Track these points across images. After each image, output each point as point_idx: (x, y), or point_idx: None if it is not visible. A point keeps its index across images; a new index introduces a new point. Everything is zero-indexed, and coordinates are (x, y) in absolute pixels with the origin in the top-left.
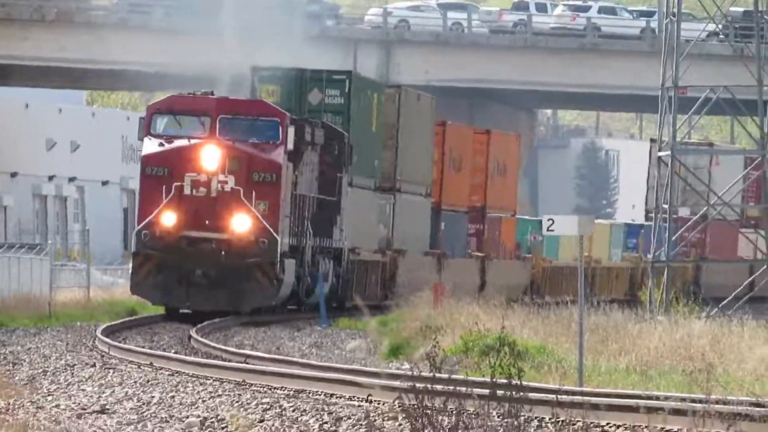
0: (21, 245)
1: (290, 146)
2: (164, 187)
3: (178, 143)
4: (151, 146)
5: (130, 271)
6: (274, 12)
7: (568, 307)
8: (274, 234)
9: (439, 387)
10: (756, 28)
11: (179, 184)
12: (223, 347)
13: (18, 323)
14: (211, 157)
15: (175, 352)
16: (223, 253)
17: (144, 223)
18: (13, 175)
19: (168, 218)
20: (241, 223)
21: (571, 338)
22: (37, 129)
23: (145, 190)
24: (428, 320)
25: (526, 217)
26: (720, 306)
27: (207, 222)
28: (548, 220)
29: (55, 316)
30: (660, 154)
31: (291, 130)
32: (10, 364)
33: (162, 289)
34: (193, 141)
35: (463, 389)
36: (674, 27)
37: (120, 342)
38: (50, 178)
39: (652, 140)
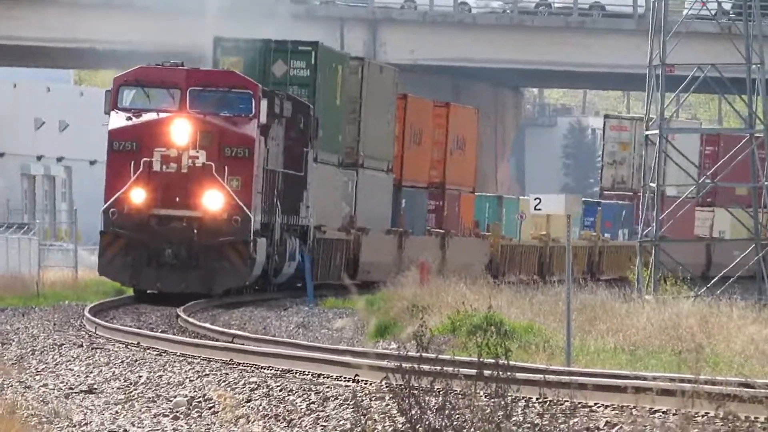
0: (9, 225)
1: (263, 119)
2: (132, 162)
3: (147, 117)
4: (118, 120)
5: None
6: None
7: (555, 286)
8: (248, 211)
9: (426, 367)
10: (744, 6)
11: (148, 159)
12: (210, 326)
13: (6, 303)
14: (181, 131)
15: (162, 332)
16: (194, 231)
17: (111, 200)
18: (1, 155)
19: (137, 195)
20: (213, 200)
21: (559, 318)
22: (25, 108)
23: (113, 166)
24: (415, 299)
25: (485, 194)
26: (707, 286)
27: (177, 199)
28: (535, 199)
29: (43, 296)
30: (647, 132)
31: (264, 103)
32: None
33: (131, 270)
34: (162, 114)
35: (450, 369)
36: (662, 4)
37: (107, 321)
38: (38, 158)
39: (606, 116)
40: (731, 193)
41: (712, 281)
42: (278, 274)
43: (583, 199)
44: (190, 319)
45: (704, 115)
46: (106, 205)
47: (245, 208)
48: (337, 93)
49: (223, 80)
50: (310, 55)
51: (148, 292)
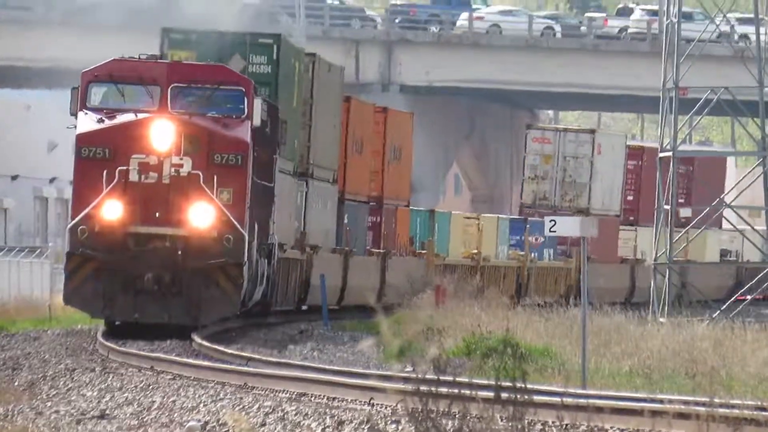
0: (21, 248)
1: (257, 121)
2: (105, 171)
3: (122, 118)
4: (87, 122)
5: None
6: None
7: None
8: (241, 229)
9: (443, 390)
10: (756, 30)
11: (124, 168)
12: (224, 349)
13: (18, 327)
14: (162, 134)
15: (177, 356)
16: (179, 252)
17: (80, 216)
18: (14, 177)
19: (111, 210)
20: (201, 215)
21: (574, 340)
22: (38, 131)
23: (82, 176)
24: (431, 322)
25: (418, 208)
26: (721, 309)
27: (158, 215)
28: (550, 221)
29: (56, 320)
30: (661, 155)
31: (258, 102)
32: (10, 369)
33: (103, 299)
34: (139, 115)
35: (468, 392)
36: (674, 28)
37: (120, 345)
38: (51, 180)
39: (528, 126)
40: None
41: (726, 304)
42: (249, 300)
43: (510, 216)
44: (205, 343)
45: (717, 137)
46: (73, 222)
47: (238, 225)
48: (294, 93)
49: (211, 75)
50: (272, 49)
51: (117, 323)
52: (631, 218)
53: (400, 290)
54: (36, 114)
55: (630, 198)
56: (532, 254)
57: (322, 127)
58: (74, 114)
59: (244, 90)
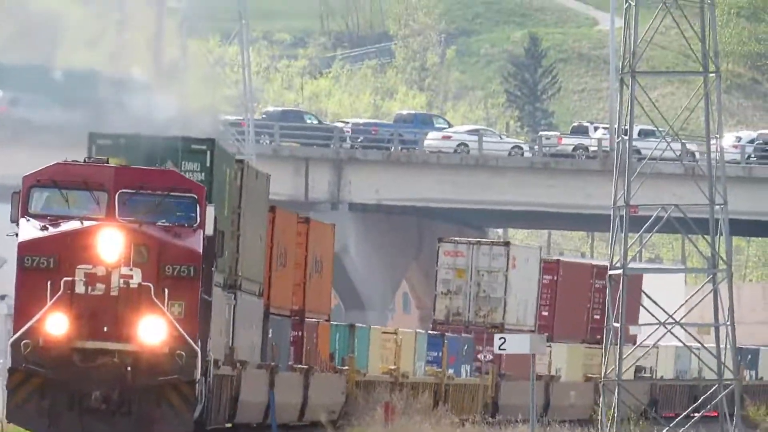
0: None
1: (209, 230)
2: (49, 282)
3: (66, 226)
4: (29, 230)
5: (6, 393)
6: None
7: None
8: (193, 345)
9: None
10: (707, 147)
11: (69, 279)
12: None
13: None
14: (110, 243)
15: None
16: (128, 369)
17: (23, 329)
18: None
19: (55, 324)
20: (151, 330)
21: None
22: None
23: (25, 286)
24: None
25: (337, 323)
26: (671, 425)
27: (106, 329)
28: (500, 338)
29: None
30: (611, 272)
31: (210, 210)
32: None
33: (48, 417)
34: (86, 223)
35: None
36: (626, 145)
37: None
38: (2, 297)
39: (439, 240)
40: (567, 326)
41: (675, 421)
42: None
43: (429, 332)
44: None
45: (667, 254)
46: (16, 336)
47: (190, 341)
48: (225, 201)
49: (161, 181)
50: (205, 156)
51: None
52: (546, 334)
53: (323, 408)
54: None
55: (545, 313)
56: (449, 371)
57: (250, 238)
58: (15, 221)
59: (196, 197)
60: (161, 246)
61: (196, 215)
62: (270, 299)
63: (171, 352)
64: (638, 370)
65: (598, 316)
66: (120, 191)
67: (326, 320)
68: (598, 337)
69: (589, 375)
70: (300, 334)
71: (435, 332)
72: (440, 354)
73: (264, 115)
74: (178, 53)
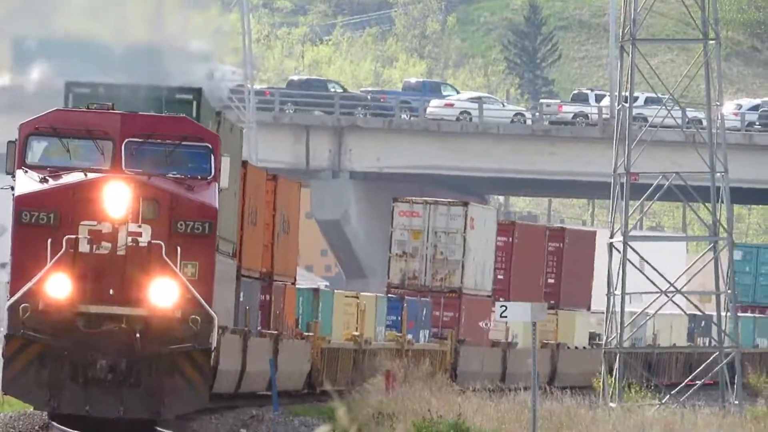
0: None
1: (224, 183)
2: (50, 241)
3: (68, 178)
4: (27, 182)
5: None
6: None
7: (519, 393)
8: (209, 309)
9: None
10: (708, 115)
11: (72, 237)
12: None
13: None
14: (116, 197)
15: None
16: (137, 336)
17: (22, 292)
18: None
19: (57, 286)
20: (163, 293)
21: (524, 425)
22: None
23: (23, 245)
24: (381, 407)
25: (303, 286)
26: (672, 393)
27: (113, 292)
28: (501, 306)
29: (8, 403)
30: (611, 240)
31: (226, 161)
32: None
33: (48, 389)
34: (89, 175)
35: None
36: (626, 113)
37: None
38: (2, 265)
39: (394, 200)
40: (524, 291)
41: (677, 388)
42: None
43: (388, 295)
44: (159, 428)
45: (668, 222)
46: (14, 299)
47: (205, 305)
48: None
49: (173, 129)
50: (191, 106)
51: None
52: (502, 299)
53: (289, 376)
54: None
55: (500, 277)
56: (409, 336)
57: (225, 195)
58: (10, 173)
59: (210, 147)
60: (173, 200)
61: (211, 167)
62: (241, 261)
63: (184, 317)
64: (592, 336)
65: (552, 281)
66: (127, 140)
67: (292, 283)
68: (553, 302)
69: (545, 341)
70: (267, 297)
71: (394, 296)
72: (399, 318)
73: (287, 84)
74: (181, 22)
